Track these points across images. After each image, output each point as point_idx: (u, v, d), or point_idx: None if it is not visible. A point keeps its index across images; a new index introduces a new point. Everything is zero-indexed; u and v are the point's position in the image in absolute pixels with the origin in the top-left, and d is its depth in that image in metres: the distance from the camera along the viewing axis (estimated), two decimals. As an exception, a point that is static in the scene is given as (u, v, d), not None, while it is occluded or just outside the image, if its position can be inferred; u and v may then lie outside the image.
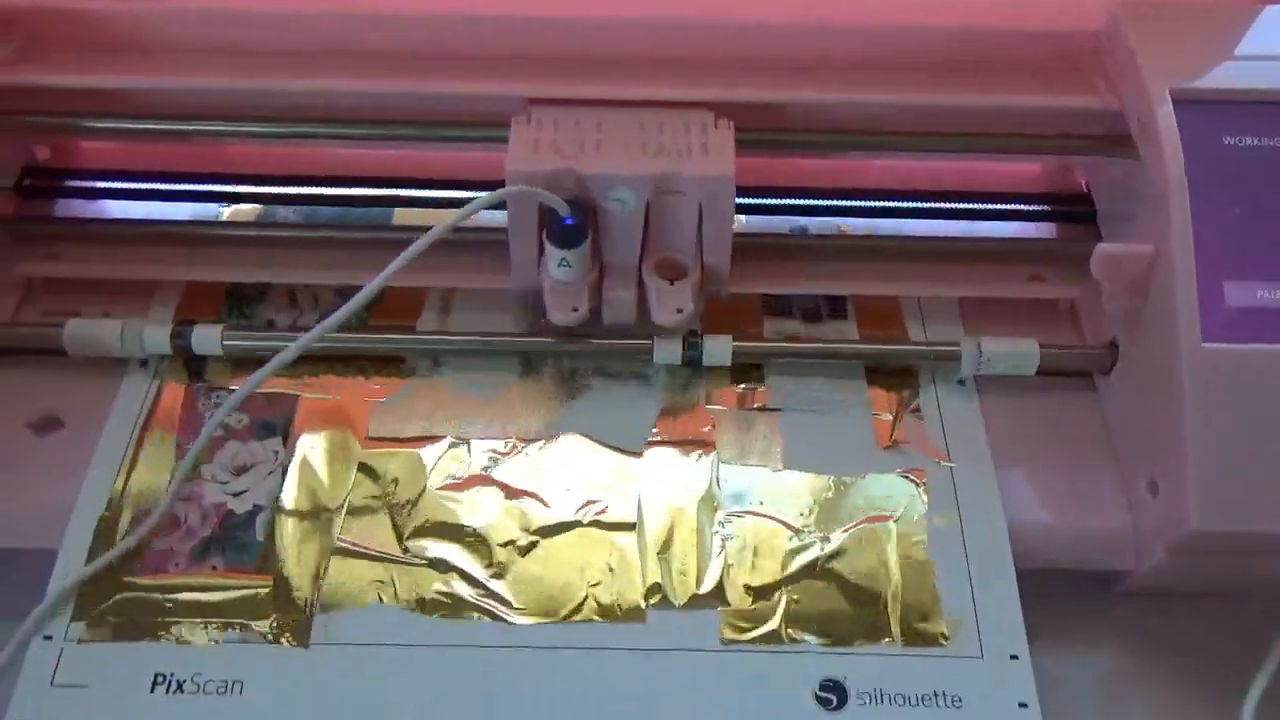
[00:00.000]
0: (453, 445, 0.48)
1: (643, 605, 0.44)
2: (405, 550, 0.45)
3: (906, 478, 0.47)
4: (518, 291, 0.50)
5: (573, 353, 0.50)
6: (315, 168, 0.54)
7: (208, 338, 0.49)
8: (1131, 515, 0.46)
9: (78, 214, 0.53)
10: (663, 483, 0.47)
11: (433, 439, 0.48)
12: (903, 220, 0.54)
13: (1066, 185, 0.55)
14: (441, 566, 0.44)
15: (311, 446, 0.48)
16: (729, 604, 0.44)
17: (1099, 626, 0.47)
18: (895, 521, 0.46)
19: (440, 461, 0.47)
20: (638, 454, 0.48)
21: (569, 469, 0.47)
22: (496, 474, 0.47)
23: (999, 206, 0.54)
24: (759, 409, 0.49)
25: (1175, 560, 0.43)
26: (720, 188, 0.46)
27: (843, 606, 0.44)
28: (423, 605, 0.43)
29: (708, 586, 0.44)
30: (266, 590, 0.44)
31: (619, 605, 0.44)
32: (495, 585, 0.44)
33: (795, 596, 0.44)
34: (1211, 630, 0.47)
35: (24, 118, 0.50)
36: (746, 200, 0.51)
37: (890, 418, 0.49)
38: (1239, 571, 0.45)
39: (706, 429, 0.49)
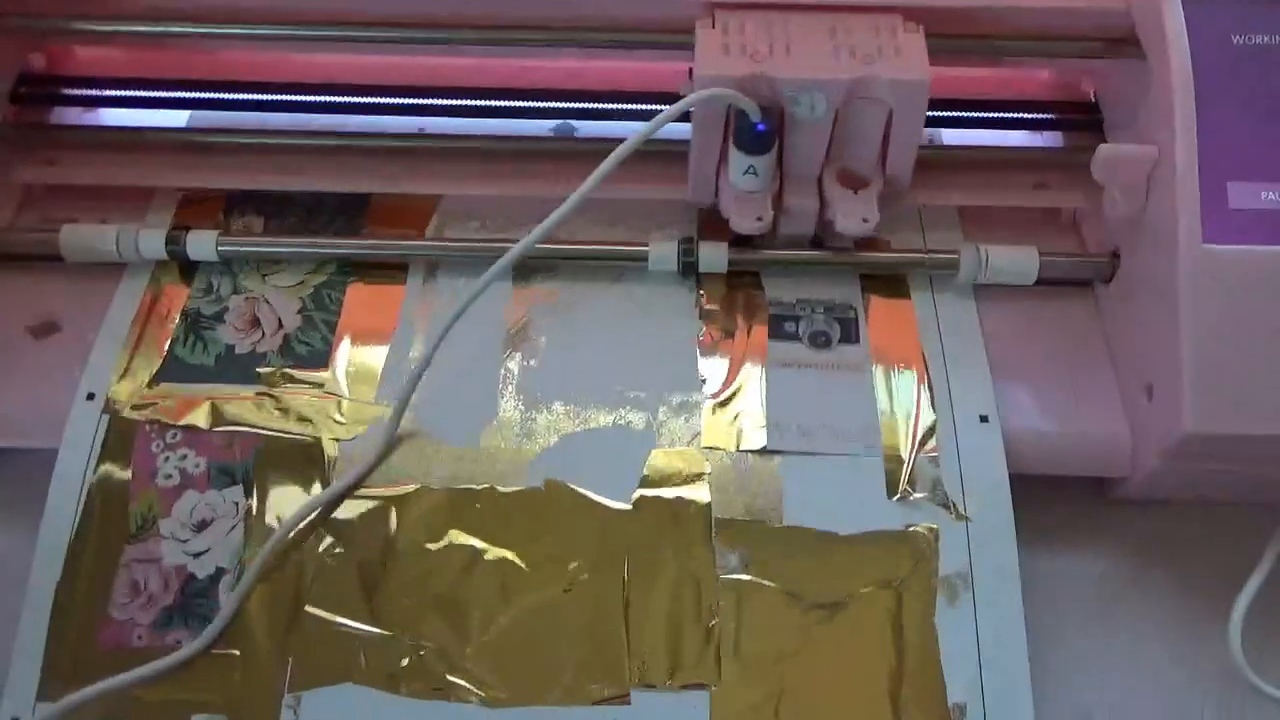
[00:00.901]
0: (425, 495, 0.44)
1: (628, 684, 0.40)
2: (376, 617, 0.41)
3: (918, 535, 0.43)
4: (694, 202, 0.49)
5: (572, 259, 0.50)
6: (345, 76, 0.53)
7: (203, 243, 0.49)
8: (1128, 422, 0.46)
9: (74, 122, 0.53)
10: (652, 541, 0.43)
11: (403, 486, 0.44)
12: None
13: (1075, 95, 0.54)
14: (414, 637, 0.41)
15: (275, 499, 0.44)
16: (720, 683, 0.40)
17: (1094, 532, 0.47)
18: (902, 587, 0.42)
19: (411, 514, 0.43)
20: (625, 506, 0.44)
21: (550, 522, 0.43)
22: (471, 528, 0.43)
23: (1006, 115, 0.53)
24: (758, 450, 0.44)
25: (1169, 465, 0.43)
26: (916, 92, 0.45)
27: (842, 687, 0.40)
28: (395, 683, 0.40)
29: (698, 663, 0.41)
30: (232, 666, 0.41)
31: (603, 684, 0.40)
32: (470, 661, 0.41)
33: (791, 674, 0.40)
34: (1205, 537, 0.47)
35: (16, 18, 0.49)
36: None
37: (905, 459, 0.44)
38: (1232, 477, 0.44)
39: (702, 473, 0.44)
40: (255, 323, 0.48)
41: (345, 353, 0.47)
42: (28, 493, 0.44)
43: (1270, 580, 0.44)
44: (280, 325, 0.48)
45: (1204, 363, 0.41)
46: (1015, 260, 0.48)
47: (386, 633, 0.41)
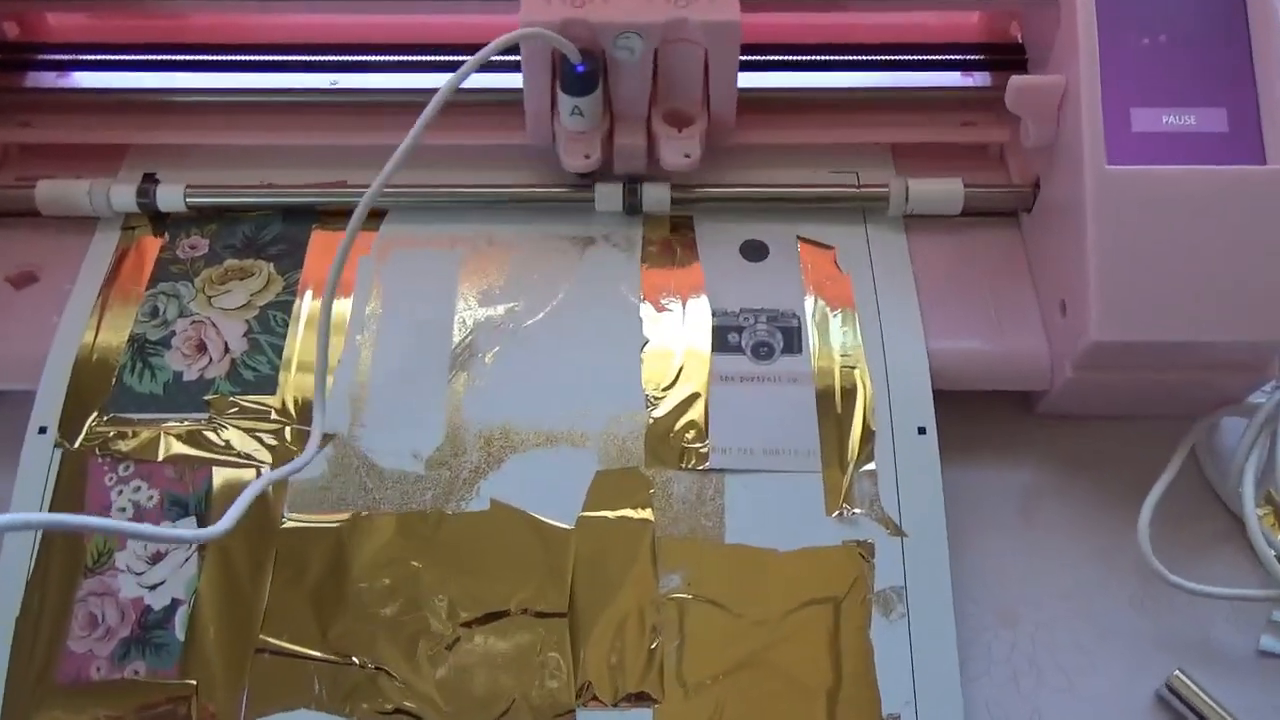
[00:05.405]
0: (373, 521, 0.45)
1: (573, 705, 0.41)
2: (329, 645, 0.42)
3: (855, 551, 0.44)
4: (533, 144, 0.51)
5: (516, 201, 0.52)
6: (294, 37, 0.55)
7: (172, 194, 0.51)
8: (1046, 338, 0.48)
9: (47, 85, 0.56)
10: (596, 561, 0.44)
11: (351, 512, 0.45)
12: (840, 72, 0.55)
13: (1004, 38, 0.56)
14: (367, 664, 0.42)
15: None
16: (663, 701, 0.41)
17: (1019, 447, 0.50)
18: (839, 603, 0.43)
19: (361, 541, 0.44)
20: (569, 526, 0.44)
21: (496, 544, 0.44)
22: (419, 553, 0.44)
23: (937, 57, 0.55)
24: (702, 470, 0.45)
25: (1082, 375, 0.46)
26: (727, 33, 0.47)
27: (781, 703, 0.41)
28: (350, 709, 0.41)
29: (641, 682, 0.42)
30: (189, 697, 0.42)
31: (549, 706, 0.41)
32: (422, 685, 0.42)
33: (731, 694, 0.41)
34: (1122, 449, 0.50)
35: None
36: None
37: (844, 475, 0.45)
38: (1141, 388, 0.47)
39: (644, 493, 0.45)
40: (202, 347, 0.48)
41: (292, 378, 0.48)
42: (7, 432, 0.47)
43: (1177, 481, 0.47)
44: (227, 350, 0.48)
45: (1108, 276, 0.44)
46: (941, 191, 0.51)
47: (341, 659, 0.42)
